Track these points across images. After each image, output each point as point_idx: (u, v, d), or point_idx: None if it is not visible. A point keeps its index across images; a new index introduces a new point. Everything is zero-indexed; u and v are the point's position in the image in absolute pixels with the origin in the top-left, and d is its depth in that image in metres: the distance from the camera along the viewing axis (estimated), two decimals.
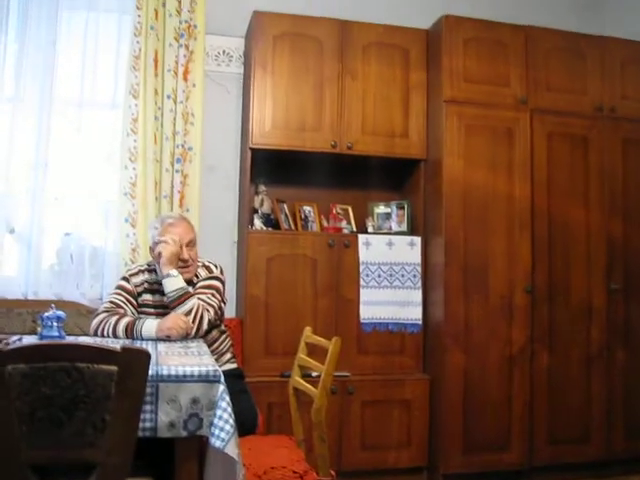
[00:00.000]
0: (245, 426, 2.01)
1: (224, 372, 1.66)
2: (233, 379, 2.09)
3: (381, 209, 3.13)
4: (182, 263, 2.21)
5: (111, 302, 2.21)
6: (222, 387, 1.57)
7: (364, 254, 2.94)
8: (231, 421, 1.55)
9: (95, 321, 2.10)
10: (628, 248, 3.10)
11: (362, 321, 2.94)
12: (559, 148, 3.05)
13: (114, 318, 2.08)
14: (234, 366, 2.37)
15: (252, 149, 2.91)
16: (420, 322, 3.03)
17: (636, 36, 3.29)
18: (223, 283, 2.31)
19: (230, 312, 2.95)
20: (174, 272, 2.15)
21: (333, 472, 1.98)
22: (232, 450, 1.53)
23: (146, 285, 2.28)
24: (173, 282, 2.13)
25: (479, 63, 3.00)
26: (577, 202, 3.05)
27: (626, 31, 3.35)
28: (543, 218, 2.99)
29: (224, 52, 3.21)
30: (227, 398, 1.57)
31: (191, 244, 2.27)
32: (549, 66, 3.08)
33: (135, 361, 1.33)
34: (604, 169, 3.10)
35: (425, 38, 3.11)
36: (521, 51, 3.05)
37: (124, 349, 1.33)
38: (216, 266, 2.35)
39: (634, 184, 3.10)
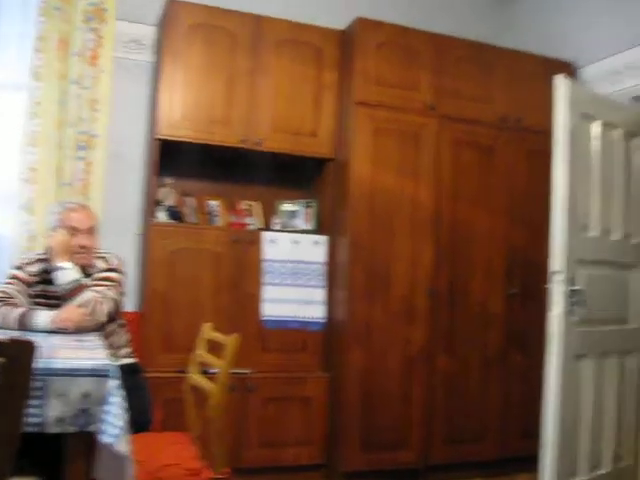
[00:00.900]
0: (139, 422, 2.07)
1: (121, 367, 1.82)
2: (129, 374, 2.28)
3: (288, 207, 3.53)
4: (80, 249, 2.44)
5: (3, 292, 2.32)
6: (114, 382, 1.64)
7: (269, 251, 3.33)
8: (123, 417, 1.62)
9: None
10: (527, 255, 3.59)
11: (265, 318, 3.32)
12: (465, 155, 3.53)
13: (6, 308, 2.20)
14: (132, 361, 2.59)
15: (159, 140, 3.21)
16: (323, 321, 3.43)
17: (544, 50, 3.85)
18: (122, 275, 2.54)
19: (130, 305, 3.19)
20: (66, 264, 2.35)
21: (228, 469, 2.14)
22: (123, 447, 1.61)
23: (43, 275, 2.46)
24: (66, 274, 2.33)
25: (391, 67, 3.43)
26: (479, 209, 3.54)
27: (535, 45, 3.91)
28: (447, 223, 3.45)
29: (136, 39, 3.51)
30: (120, 393, 1.65)
31: (91, 231, 2.50)
32: (458, 74, 3.55)
33: (22, 353, 1.37)
34: (508, 178, 3.61)
35: (339, 38, 3.51)
36: (432, 58, 3.50)
37: (12, 340, 1.37)
38: (116, 257, 2.57)
39: (536, 194, 3.56)
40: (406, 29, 3.53)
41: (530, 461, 3.21)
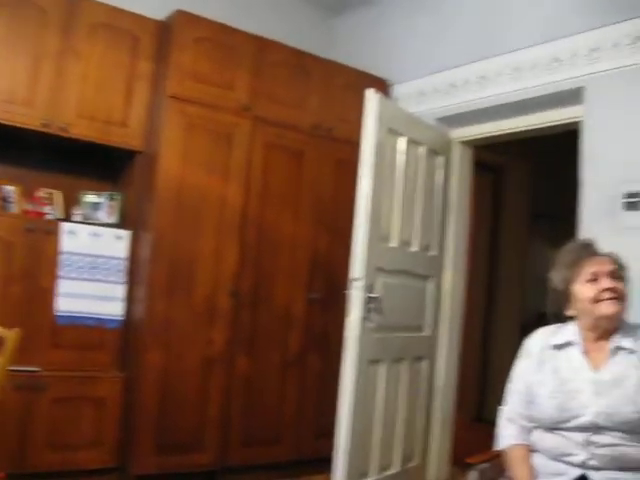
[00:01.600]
0: None
1: None
2: None
3: (91, 198, 3.68)
4: None
5: None
6: None
7: (67, 243, 3.47)
8: None
9: None
10: (330, 260, 4.05)
11: (58, 313, 3.47)
12: (276, 158, 3.91)
13: None
14: None
15: None
16: (121, 318, 3.64)
17: (364, 65, 4.37)
18: None
19: None
20: None
21: (2, 474, 2.28)
22: None
23: None
24: None
25: (208, 64, 3.71)
26: (288, 213, 3.93)
27: (356, 59, 4.43)
28: (254, 225, 3.79)
29: None
30: None
31: None
32: (275, 78, 3.92)
33: None
34: (316, 184, 4.05)
35: (158, 29, 3.73)
36: (251, 59, 3.84)
37: None
38: None
39: (342, 201, 4.02)
40: (226, 27, 3.82)
41: (325, 462, 3.61)
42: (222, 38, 3.83)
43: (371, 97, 3.53)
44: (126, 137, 3.71)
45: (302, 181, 4.02)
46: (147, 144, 3.74)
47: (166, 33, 3.76)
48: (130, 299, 3.70)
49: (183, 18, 3.71)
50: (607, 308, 2.11)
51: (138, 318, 3.62)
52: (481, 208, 5.99)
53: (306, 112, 4.07)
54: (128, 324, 3.70)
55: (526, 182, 6.16)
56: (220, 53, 3.81)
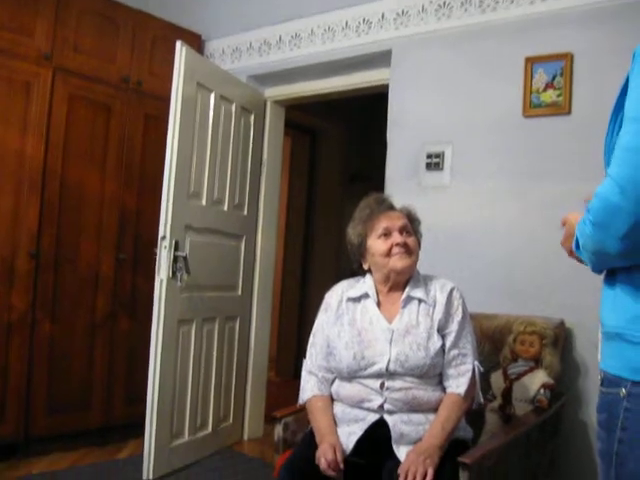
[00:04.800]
0: None
1: None
2: None
3: None
4: None
5: None
6: None
7: None
8: None
9: None
10: (139, 219, 3.94)
11: None
12: (80, 112, 3.70)
13: None
14: None
15: None
16: None
17: (178, 19, 4.23)
18: None
19: None
20: None
21: None
22: None
23: None
24: None
25: (2, 6, 3.43)
26: (94, 169, 3.77)
27: (170, 12, 4.28)
28: (55, 181, 3.59)
29: None
30: None
31: None
32: (81, 27, 3.70)
33: None
34: (124, 140, 3.90)
35: None
36: (53, 4, 3.59)
37: None
38: None
39: (151, 158, 3.94)
40: None
41: (137, 427, 3.60)
42: None
43: (180, 50, 3.45)
44: None
45: (109, 136, 3.86)
46: None
47: None
48: None
49: None
50: (398, 262, 2.22)
51: None
52: (297, 170, 6.10)
53: (114, 65, 3.90)
54: None
55: (342, 144, 6.34)
56: None
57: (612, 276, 1.24)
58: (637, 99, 1.11)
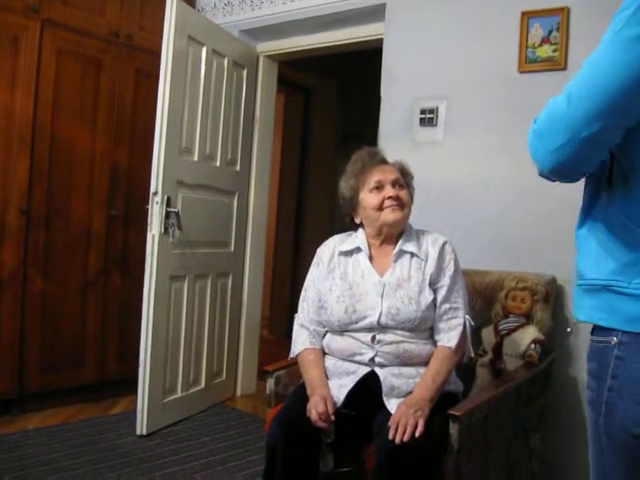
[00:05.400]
0: None
1: None
2: None
3: None
4: None
5: None
6: None
7: None
8: None
9: None
10: (131, 176, 3.91)
11: None
12: (70, 67, 3.63)
13: None
14: None
15: None
16: None
17: None
18: None
19: None
20: None
21: None
22: None
23: None
24: None
25: None
26: (84, 125, 3.71)
27: None
28: (46, 137, 3.54)
29: None
30: None
31: None
32: None
33: None
34: (115, 96, 3.84)
35: None
36: None
37: None
38: None
39: (142, 114, 3.89)
40: None
41: (131, 383, 3.62)
42: None
43: (171, 2, 3.40)
44: None
45: (100, 92, 3.81)
46: None
47: None
48: None
49: None
50: (389, 215, 2.21)
51: None
52: (291, 127, 6.05)
53: (104, 18, 3.82)
54: None
55: (335, 103, 6.28)
56: None
57: (587, 227, 1.22)
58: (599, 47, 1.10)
